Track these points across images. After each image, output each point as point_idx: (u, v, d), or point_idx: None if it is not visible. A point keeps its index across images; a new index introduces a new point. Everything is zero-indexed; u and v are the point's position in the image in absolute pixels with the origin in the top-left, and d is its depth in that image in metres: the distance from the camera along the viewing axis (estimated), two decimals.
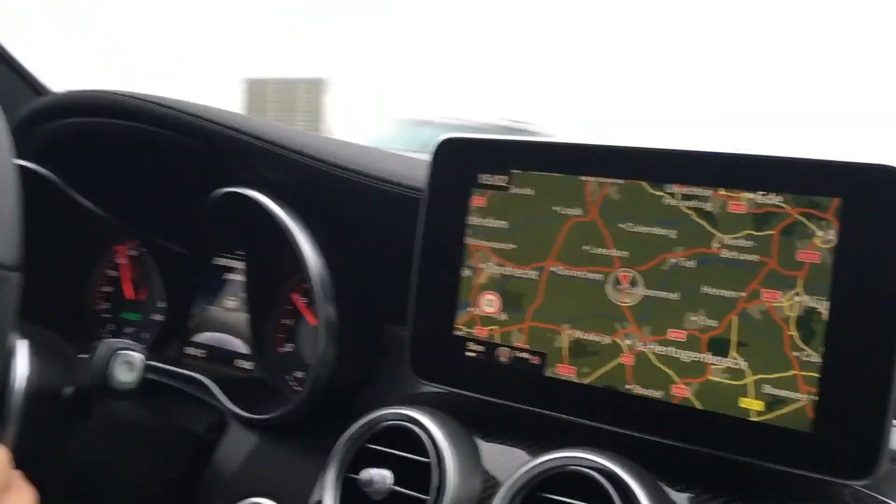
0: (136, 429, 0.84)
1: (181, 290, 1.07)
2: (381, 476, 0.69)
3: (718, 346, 0.63)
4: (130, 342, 0.70)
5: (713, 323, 0.64)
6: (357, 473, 0.69)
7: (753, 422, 0.62)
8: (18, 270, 0.51)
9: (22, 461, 0.55)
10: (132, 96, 0.91)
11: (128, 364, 0.68)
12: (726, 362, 0.63)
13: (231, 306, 1.05)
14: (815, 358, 0.60)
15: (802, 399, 0.60)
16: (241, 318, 1.02)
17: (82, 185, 1.01)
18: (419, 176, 0.78)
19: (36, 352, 0.71)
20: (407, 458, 0.69)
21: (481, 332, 0.73)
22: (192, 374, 0.94)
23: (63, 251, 1.07)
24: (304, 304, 0.97)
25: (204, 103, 0.92)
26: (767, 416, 0.61)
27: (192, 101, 0.92)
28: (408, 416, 0.71)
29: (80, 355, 0.77)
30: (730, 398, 0.63)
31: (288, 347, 0.98)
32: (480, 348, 0.73)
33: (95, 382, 0.68)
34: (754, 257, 0.62)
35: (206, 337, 1.06)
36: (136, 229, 1.06)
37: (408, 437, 0.70)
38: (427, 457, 0.68)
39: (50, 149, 0.98)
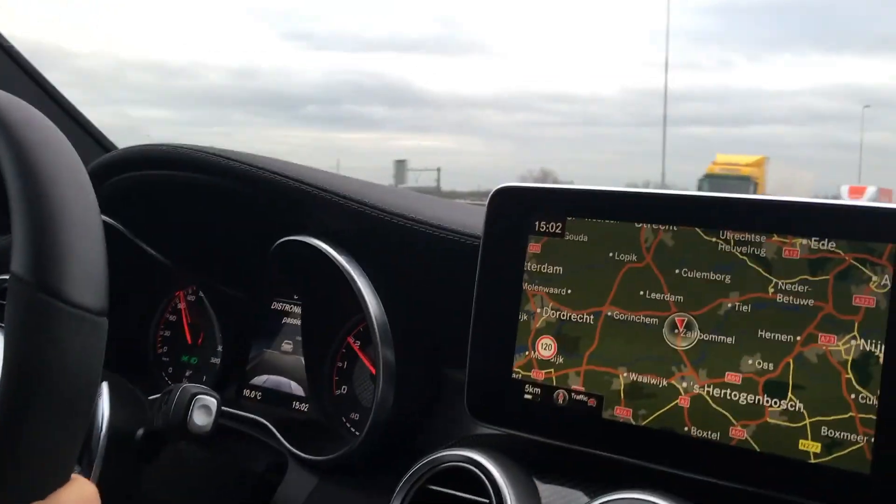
0: (201, 469, 0.87)
1: (239, 334, 1.10)
2: None
3: (775, 389, 0.65)
4: (205, 387, 0.73)
5: (769, 366, 0.65)
6: None
7: (812, 464, 0.63)
8: (106, 316, 0.54)
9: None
10: (196, 149, 0.95)
11: (205, 408, 0.71)
12: (784, 405, 0.64)
13: (287, 349, 1.08)
14: (872, 400, 0.61)
15: (860, 441, 0.61)
16: (297, 361, 1.05)
17: (146, 233, 1.05)
18: (477, 224, 0.81)
19: (113, 396, 0.74)
20: (468, 499, 0.71)
21: (538, 374, 0.75)
22: (252, 415, 0.97)
23: (127, 297, 1.11)
24: (358, 347, 1.00)
25: (262, 155, 0.96)
26: (826, 459, 0.62)
27: (250, 153, 0.96)
28: (468, 457, 0.73)
29: (150, 397, 0.80)
30: (788, 440, 0.64)
31: (343, 390, 1.01)
32: (537, 391, 0.75)
33: (174, 426, 0.71)
34: (810, 301, 0.64)
35: (263, 380, 1.08)
36: (195, 275, 1.10)
37: (468, 479, 0.72)
38: (488, 497, 0.70)
39: (116, 200, 1.03)
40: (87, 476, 0.66)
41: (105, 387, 0.72)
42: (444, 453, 0.75)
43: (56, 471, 0.51)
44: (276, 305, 1.10)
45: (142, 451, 0.77)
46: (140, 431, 0.76)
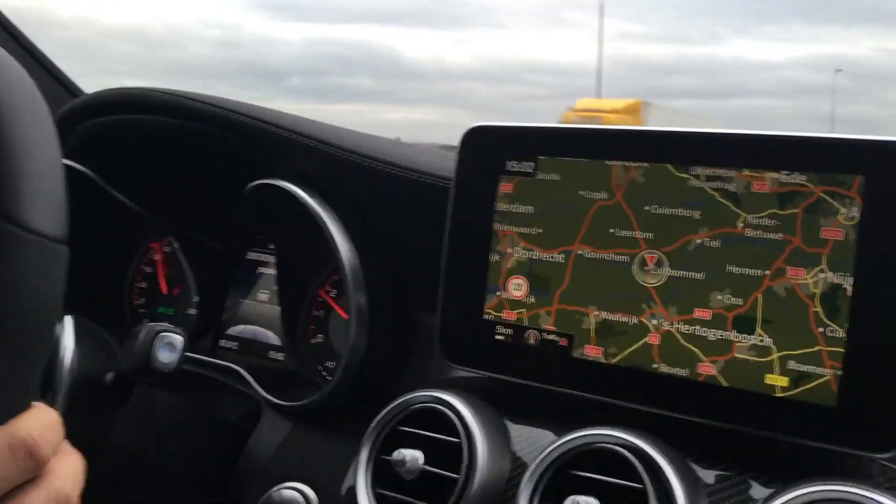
0: (172, 416, 0.86)
1: (214, 285, 1.10)
2: (412, 456, 0.70)
3: (744, 324, 0.64)
4: (171, 325, 0.72)
5: (739, 301, 0.65)
6: (389, 455, 0.71)
7: (779, 398, 0.63)
8: (65, 244, 0.53)
9: None
10: (167, 92, 0.93)
11: (169, 345, 0.70)
12: (752, 340, 0.64)
13: (263, 299, 1.07)
14: (840, 333, 0.61)
15: (827, 374, 0.61)
16: (273, 310, 1.05)
17: (119, 181, 1.04)
18: (448, 167, 0.80)
19: (79, 338, 0.73)
20: (438, 439, 0.71)
21: (510, 315, 0.75)
22: (227, 363, 0.97)
23: (101, 247, 1.10)
24: (332, 297, 0.99)
25: (235, 100, 0.95)
26: (793, 392, 0.62)
27: (223, 98, 0.95)
28: (438, 398, 0.73)
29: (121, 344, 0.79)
30: (755, 375, 0.64)
31: (319, 339, 1.00)
32: (509, 331, 0.75)
33: (138, 364, 0.70)
34: (779, 236, 0.63)
35: (239, 329, 1.08)
36: (170, 225, 1.09)
37: (438, 420, 0.72)
38: (457, 437, 0.70)
39: (87, 147, 1.01)
40: None
41: (70, 322, 0.71)
42: (415, 395, 0.74)
43: (15, 398, 0.51)
44: (252, 255, 1.09)
45: (111, 395, 0.76)
46: (109, 375, 0.75)
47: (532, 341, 0.74)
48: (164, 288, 1.15)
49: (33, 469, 0.50)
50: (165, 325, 0.72)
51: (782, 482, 0.61)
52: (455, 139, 0.78)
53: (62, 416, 0.59)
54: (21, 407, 0.50)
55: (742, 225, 0.65)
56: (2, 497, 0.48)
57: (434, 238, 0.80)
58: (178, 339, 0.71)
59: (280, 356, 1.03)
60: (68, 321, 0.71)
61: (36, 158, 0.51)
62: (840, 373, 0.60)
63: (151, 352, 0.70)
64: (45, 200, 0.50)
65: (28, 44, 1.16)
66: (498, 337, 0.75)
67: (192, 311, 1.12)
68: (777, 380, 0.63)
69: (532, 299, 0.74)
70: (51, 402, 0.68)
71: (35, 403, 0.52)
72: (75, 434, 0.71)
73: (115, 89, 0.98)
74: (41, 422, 0.51)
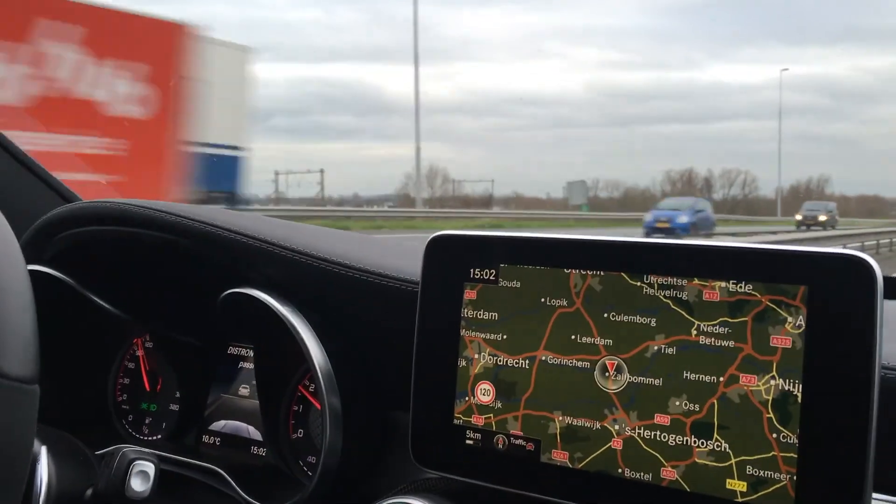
0: None
1: (196, 380, 1.11)
2: None
3: (702, 430, 0.66)
4: (145, 451, 0.74)
5: (696, 407, 0.67)
6: None
7: (739, 503, 0.64)
8: (36, 383, 0.55)
9: None
10: (140, 206, 0.96)
11: (142, 474, 0.72)
12: (710, 445, 0.66)
13: (245, 394, 1.08)
14: (793, 439, 0.62)
15: (783, 479, 0.63)
16: (254, 405, 1.06)
17: (97, 287, 1.06)
18: (417, 268, 0.82)
19: (55, 457, 0.75)
20: None
21: (478, 420, 0.77)
22: (209, 465, 0.98)
23: (83, 348, 1.12)
24: (310, 392, 1.01)
25: (209, 208, 0.97)
26: (752, 497, 0.64)
27: (197, 206, 0.97)
28: None
29: (98, 452, 0.81)
30: (716, 480, 0.65)
31: (299, 434, 1.02)
32: (478, 436, 0.76)
33: (112, 494, 0.71)
34: (730, 343, 0.66)
35: (221, 425, 1.09)
36: (148, 325, 1.10)
37: None
38: None
39: (66, 255, 1.04)
40: None
41: (44, 451, 0.73)
42: (388, 501, 0.76)
43: None
44: (233, 350, 1.11)
45: None
46: (89, 492, 0.77)
47: (500, 446, 0.75)
48: (146, 384, 1.16)
49: None
50: (139, 450, 0.73)
51: None
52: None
53: None
54: None
55: (696, 332, 0.67)
56: None
57: (406, 339, 0.81)
58: (151, 467, 0.72)
59: (262, 451, 1.04)
60: (43, 450, 0.72)
61: (9, 304, 0.53)
62: (795, 478, 0.62)
63: (126, 480, 0.71)
64: (20, 346, 0.52)
65: (20, 154, 1.19)
66: (468, 442, 0.77)
67: (174, 407, 1.13)
68: (737, 485, 0.65)
69: (499, 404, 0.76)
70: None
71: None
72: None
73: (91, 202, 1.01)
74: None
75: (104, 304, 1.05)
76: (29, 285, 0.57)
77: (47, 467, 0.73)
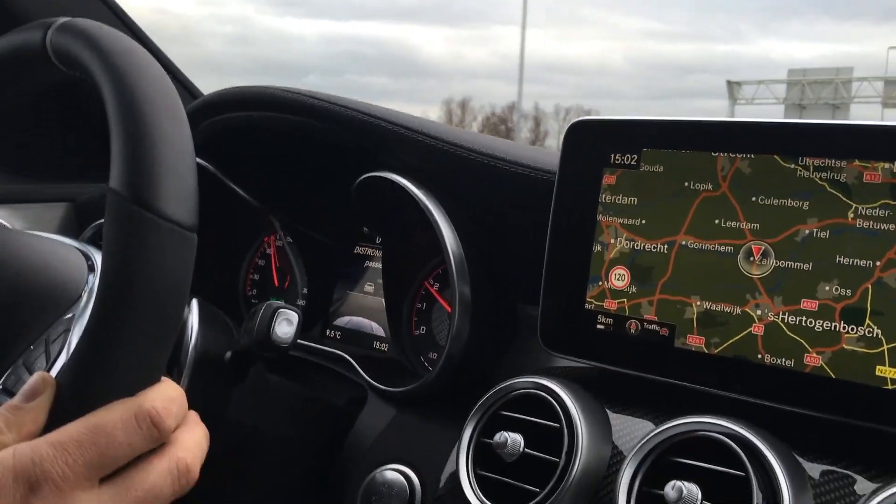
0: (285, 398, 0.91)
1: (322, 278, 1.14)
2: (513, 439, 0.72)
3: (853, 315, 0.64)
4: (287, 304, 0.77)
5: (847, 292, 0.64)
6: (491, 438, 0.73)
7: (890, 390, 0.62)
8: (195, 232, 0.57)
9: None
10: (284, 90, 0.98)
11: (287, 321, 0.75)
12: (861, 331, 0.63)
13: (369, 291, 1.11)
14: None
15: None
16: (378, 302, 1.08)
17: (237, 176, 1.10)
18: (552, 161, 0.82)
19: (202, 319, 0.78)
20: (539, 423, 0.72)
21: (611, 304, 0.76)
22: (335, 350, 1.01)
23: (220, 239, 1.16)
24: (436, 290, 1.02)
25: (346, 97, 0.99)
26: None
27: (335, 94, 0.99)
28: (539, 384, 0.74)
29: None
30: (865, 367, 0.63)
31: (422, 330, 1.03)
32: (610, 321, 0.76)
33: (259, 337, 0.75)
34: (891, 226, 0.63)
35: (345, 321, 1.12)
36: (282, 220, 1.14)
37: (539, 405, 0.74)
38: (558, 423, 0.71)
39: (208, 143, 1.07)
40: None
41: (195, 304, 0.76)
42: (517, 381, 0.76)
43: (145, 372, 0.55)
44: (359, 250, 1.13)
45: (229, 372, 0.80)
46: (228, 354, 0.80)
47: (633, 331, 0.74)
48: (275, 280, 1.20)
49: (157, 438, 0.54)
50: (282, 303, 0.76)
51: (891, 476, 0.60)
52: None
53: (186, 390, 0.64)
54: (149, 381, 0.55)
55: (853, 216, 0.64)
56: (128, 463, 0.53)
57: (537, 230, 0.81)
58: (295, 316, 0.75)
59: (384, 347, 1.07)
60: (195, 303, 0.76)
61: (172, 151, 0.55)
62: None
63: (271, 326, 0.74)
64: (180, 191, 0.55)
65: (155, 48, 1.24)
66: (599, 326, 0.76)
67: (301, 303, 1.16)
68: (888, 371, 0.62)
69: (634, 289, 0.75)
70: (176, 378, 0.73)
71: (163, 378, 0.57)
72: (197, 408, 0.76)
73: (229, 89, 1.04)
74: (166, 395, 0.55)
75: (243, 193, 1.09)
76: (190, 137, 0.59)
77: (197, 320, 0.76)
